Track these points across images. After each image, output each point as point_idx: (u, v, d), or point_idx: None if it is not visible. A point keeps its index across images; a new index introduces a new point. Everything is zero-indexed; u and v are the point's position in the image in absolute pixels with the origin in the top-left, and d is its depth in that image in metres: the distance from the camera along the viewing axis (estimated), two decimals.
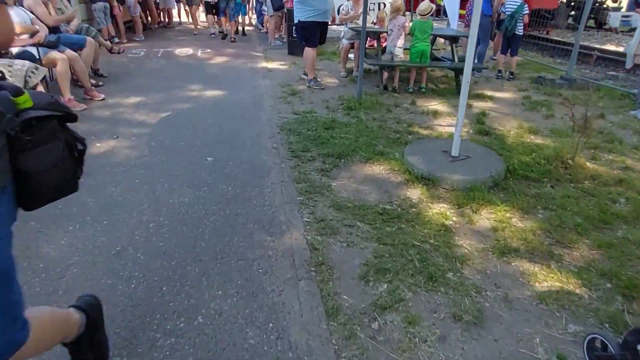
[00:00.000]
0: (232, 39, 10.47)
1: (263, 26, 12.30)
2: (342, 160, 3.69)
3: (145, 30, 11.65)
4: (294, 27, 7.24)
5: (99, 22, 9.28)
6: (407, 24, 5.74)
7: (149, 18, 12.56)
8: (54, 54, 4.86)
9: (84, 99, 5.36)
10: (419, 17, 5.67)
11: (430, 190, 3.22)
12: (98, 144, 3.96)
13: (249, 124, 4.59)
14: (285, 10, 9.12)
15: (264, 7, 11.64)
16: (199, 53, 8.48)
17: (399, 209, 2.97)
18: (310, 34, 5.83)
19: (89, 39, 5.75)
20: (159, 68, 7.19)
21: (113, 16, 9.80)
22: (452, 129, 4.40)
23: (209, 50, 8.71)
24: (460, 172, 3.31)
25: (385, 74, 6.04)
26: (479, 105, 5.46)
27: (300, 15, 5.67)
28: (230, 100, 5.44)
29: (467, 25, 7.84)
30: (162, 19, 13.42)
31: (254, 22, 13.94)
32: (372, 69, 7.00)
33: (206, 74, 6.88)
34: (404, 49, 6.05)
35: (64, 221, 2.73)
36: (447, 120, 4.84)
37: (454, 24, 8.02)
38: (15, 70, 3.85)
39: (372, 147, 3.92)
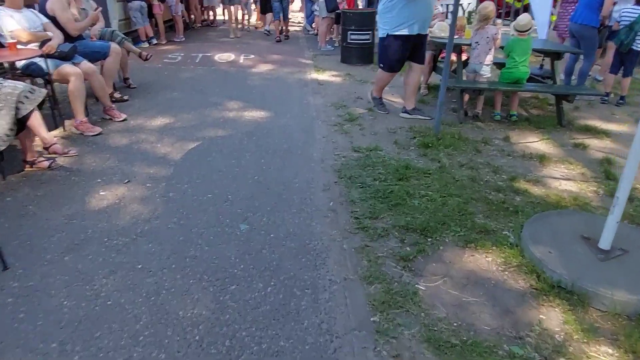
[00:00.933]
0: (278, 38, 9.84)
1: (312, 28, 11.28)
2: (429, 239, 2.58)
3: (187, 29, 10.93)
4: (350, 34, 6.15)
5: (135, 22, 8.58)
6: (498, 36, 4.51)
7: (192, 16, 11.85)
8: (67, 67, 4.01)
9: (102, 118, 4.51)
10: (515, 33, 4.42)
11: (578, 314, 2.05)
12: (102, 192, 3.05)
13: (297, 164, 3.55)
14: (340, 12, 8.02)
15: (315, 7, 10.59)
16: (241, 59, 7.55)
17: (536, 355, 1.83)
18: (395, 55, 4.43)
19: (114, 46, 4.90)
20: (195, 78, 6.30)
21: (152, 15, 9.08)
22: (575, 187, 3.18)
23: (252, 56, 7.76)
24: (622, 282, 2.12)
25: (466, 97, 4.84)
26: (594, 145, 4.17)
27: (388, 27, 4.31)
28: (274, 126, 4.43)
29: (561, 36, 6.47)
30: (205, 16, 12.68)
31: (301, 22, 12.96)
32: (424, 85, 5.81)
33: (247, 86, 5.91)
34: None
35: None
36: (561, 170, 3.60)
37: (543, 34, 6.66)
38: (3, 95, 2.99)
39: (468, 217, 2.78)
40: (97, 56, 4.91)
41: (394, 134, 4.24)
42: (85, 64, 4.22)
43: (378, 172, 3.39)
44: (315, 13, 10.59)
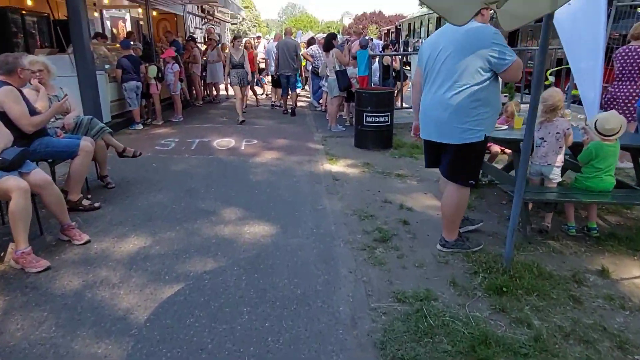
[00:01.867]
0: (285, 110, 9.88)
1: (320, 104, 10.63)
2: None
3: (187, 108, 10.27)
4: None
5: (129, 103, 7.84)
6: (570, 131, 3.54)
7: (194, 92, 11.29)
8: (8, 180, 3.00)
9: (59, 240, 3.44)
10: (598, 136, 3.43)
11: None
12: None
13: (317, 331, 2.40)
14: (354, 91, 7.25)
15: (322, 83, 9.98)
16: (243, 145, 6.64)
17: None
18: (480, 163, 3.28)
19: (84, 144, 3.95)
20: (187, 172, 5.33)
21: (150, 95, 8.39)
22: None
23: (255, 142, 6.87)
24: None
25: (530, 205, 3.78)
26: None
27: (485, 126, 3.03)
28: (283, 252, 3.33)
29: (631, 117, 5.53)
30: (207, 92, 12.15)
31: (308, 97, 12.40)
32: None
33: (249, 183, 4.91)
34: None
35: None
36: None
37: (591, 113, 5.75)
38: None
39: None
40: (62, 156, 3.97)
41: (447, 267, 3.11)
42: (36, 175, 3.22)
43: (442, 349, 2.23)
44: (323, 89, 9.97)
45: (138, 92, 7.99)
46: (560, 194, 3.49)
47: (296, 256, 3.24)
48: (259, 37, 14.17)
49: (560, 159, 3.58)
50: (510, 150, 4.63)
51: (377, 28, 55.29)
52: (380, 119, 6.57)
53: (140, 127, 8.11)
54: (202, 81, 11.73)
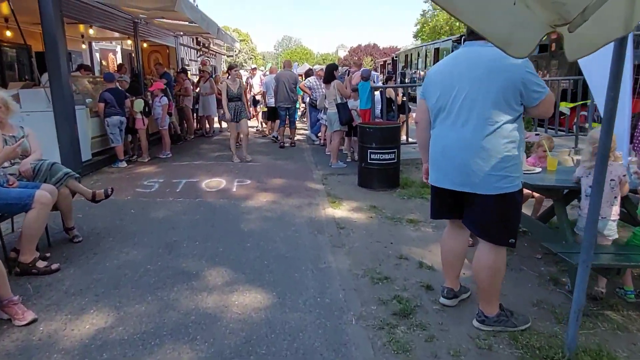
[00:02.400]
0: (282, 143, 9.51)
1: (318, 138, 10.09)
2: None
3: (179, 142, 9.70)
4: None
5: (112, 139, 7.24)
6: (626, 179, 2.93)
7: (186, 126, 10.75)
8: None
9: None
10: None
11: None
12: None
13: None
14: (357, 127, 6.70)
15: (321, 116, 9.48)
16: (234, 186, 6.00)
17: None
18: (519, 216, 2.62)
19: (40, 194, 3.29)
20: (169, 220, 4.66)
21: (135, 130, 7.81)
22: None
23: (248, 182, 6.23)
24: None
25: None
26: None
27: (520, 172, 2.49)
28: (278, 335, 2.63)
29: None
30: (200, 126, 11.62)
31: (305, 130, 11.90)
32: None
33: (239, 235, 4.23)
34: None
35: None
36: None
37: (625, 159, 5.19)
38: None
39: None
40: (12, 210, 3.30)
41: (492, 355, 2.42)
42: None
43: None
44: (322, 122, 9.45)
45: (122, 127, 7.41)
46: (626, 257, 2.83)
47: (297, 340, 2.54)
48: (254, 69, 13.75)
49: (616, 211, 2.95)
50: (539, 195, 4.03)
51: (372, 60, 56.00)
52: (386, 156, 5.98)
53: (124, 164, 7.48)
54: (194, 114, 11.22)
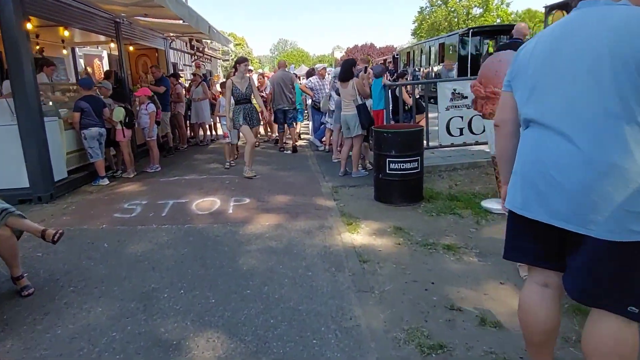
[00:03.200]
0: (281, 147, 9.11)
1: (322, 143, 9.19)
2: None
3: (170, 154, 8.82)
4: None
5: (90, 154, 6.35)
6: None
7: (179, 135, 9.87)
8: None
9: None
10: None
11: None
12: None
13: None
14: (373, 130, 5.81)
15: (326, 119, 8.60)
16: (230, 207, 5.08)
17: None
18: None
19: None
20: (148, 258, 3.74)
21: (117, 143, 6.91)
22: None
23: (247, 201, 5.30)
24: None
25: None
26: None
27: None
28: None
29: None
30: (193, 134, 10.74)
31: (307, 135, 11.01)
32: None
33: (236, 279, 3.31)
34: None
35: None
36: None
37: None
38: None
39: None
40: None
41: None
42: None
43: None
44: (328, 125, 8.56)
45: (102, 139, 6.52)
46: None
47: None
48: (250, 70, 12.85)
49: None
50: None
51: (369, 60, 55.09)
52: (408, 165, 5.07)
53: (106, 182, 6.58)
54: (187, 122, 10.34)
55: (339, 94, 7.45)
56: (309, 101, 9.85)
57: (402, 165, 5.06)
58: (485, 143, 6.31)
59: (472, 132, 6.17)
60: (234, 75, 6.62)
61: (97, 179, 6.60)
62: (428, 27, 41.77)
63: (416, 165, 5.12)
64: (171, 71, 11.83)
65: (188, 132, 10.81)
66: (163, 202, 5.25)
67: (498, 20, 38.12)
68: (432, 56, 17.91)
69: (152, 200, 5.37)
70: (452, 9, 40.41)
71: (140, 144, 8.45)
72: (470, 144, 6.31)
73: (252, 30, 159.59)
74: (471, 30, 14.78)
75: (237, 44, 67.84)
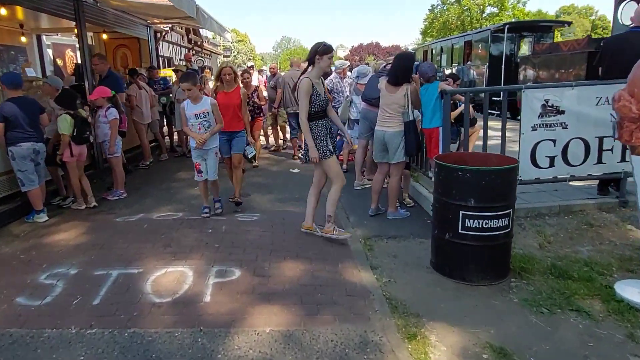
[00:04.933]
0: (295, 155, 7.73)
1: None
2: None
3: (144, 169, 6.92)
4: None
5: (21, 180, 4.45)
6: None
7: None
8: None
9: None
10: None
11: None
12: None
13: None
14: (437, 163, 3.92)
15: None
16: (208, 289, 3.07)
17: None
18: None
19: None
20: None
21: (63, 164, 5.01)
22: None
23: (235, 274, 3.26)
24: None
25: None
26: None
27: None
28: None
29: None
30: (179, 142, 8.84)
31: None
32: None
33: None
34: None
35: None
36: None
37: None
38: None
39: None
40: None
41: None
42: None
43: None
44: (352, 139, 6.65)
45: (39, 158, 4.63)
46: None
47: None
48: (251, 67, 10.91)
49: None
50: None
51: (374, 59, 53.30)
52: (496, 223, 3.16)
53: (44, 218, 4.71)
54: (169, 128, 8.44)
55: (368, 101, 5.55)
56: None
57: (486, 223, 3.16)
58: (586, 178, 4.41)
59: (567, 163, 4.26)
60: (308, 71, 3.95)
61: (32, 213, 4.71)
62: (440, 26, 39.77)
63: (507, 223, 3.22)
64: (167, 66, 9.96)
65: (176, 138, 8.93)
66: (103, 272, 3.30)
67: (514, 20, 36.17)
68: (455, 55, 15.96)
69: (88, 266, 3.42)
70: (466, 7, 38.37)
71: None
72: (562, 180, 4.38)
73: (255, 27, 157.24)
74: (507, 25, 12.80)
75: (239, 40, 65.90)
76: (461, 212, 3.18)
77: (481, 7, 38.20)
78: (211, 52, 30.79)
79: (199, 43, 25.11)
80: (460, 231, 3.21)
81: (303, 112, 3.78)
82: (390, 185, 4.66)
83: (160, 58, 14.72)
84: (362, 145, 5.94)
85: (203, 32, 24.23)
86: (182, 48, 22.14)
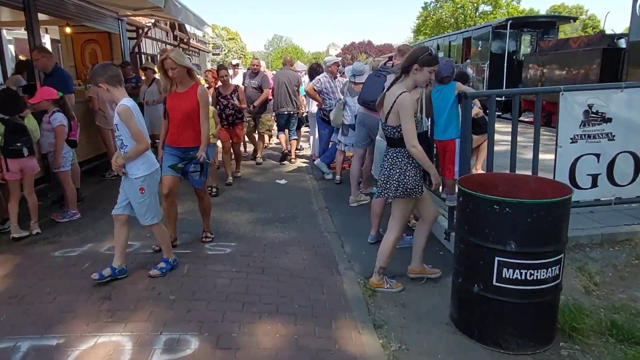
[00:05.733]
0: (292, 158, 7.60)
1: (330, 170, 6.45)
2: None
3: (110, 179, 6.02)
4: None
5: None
6: None
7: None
8: None
9: None
10: None
11: None
12: None
13: None
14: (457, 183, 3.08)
15: (339, 138, 5.86)
16: (154, 356, 2.25)
17: None
18: None
19: None
20: None
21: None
22: None
23: (190, 347, 2.41)
24: None
25: None
26: None
27: None
28: None
29: None
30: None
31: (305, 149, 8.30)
32: None
33: None
34: None
35: None
36: None
37: None
38: None
39: None
40: None
41: None
42: None
43: None
44: (342, 147, 5.83)
45: None
46: None
47: None
48: (236, 65, 9.98)
49: None
50: None
51: (366, 58, 52.57)
52: (541, 274, 2.34)
53: None
54: None
55: (366, 104, 4.71)
56: (313, 108, 7.11)
57: (531, 274, 2.34)
58: (635, 201, 3.60)
59: (613, 183, 3.45)
60: (399, 81, 2.95)
61: None
62: (433, 24, 39.08)
63: (557, 273, 2.40)
64: (148, 63, 9.04)
65: None
66: (9, 344, 2.40)
67: None
68: (451, 51, 15.19)
69: None
70: (460, 5, 37.71)
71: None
72: (607, 203, 3.56)
73: (246, 25, 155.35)
74: (510, 21, 12.03)
75: (230, 39, 64.67)
76: (497, 258, 2.36)
77: (475, 4, 37.57)
78: (199, 49, 29.70)
79: (185, 40, 24.05)
80: (495, 283, 2.39)
81: (412, 135, 2.81)
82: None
83: (143, 55, 13.77)
84: (359, 155, 5.11)
85: (191, 29, 23.18)
86: (167, 45, 21.10)
